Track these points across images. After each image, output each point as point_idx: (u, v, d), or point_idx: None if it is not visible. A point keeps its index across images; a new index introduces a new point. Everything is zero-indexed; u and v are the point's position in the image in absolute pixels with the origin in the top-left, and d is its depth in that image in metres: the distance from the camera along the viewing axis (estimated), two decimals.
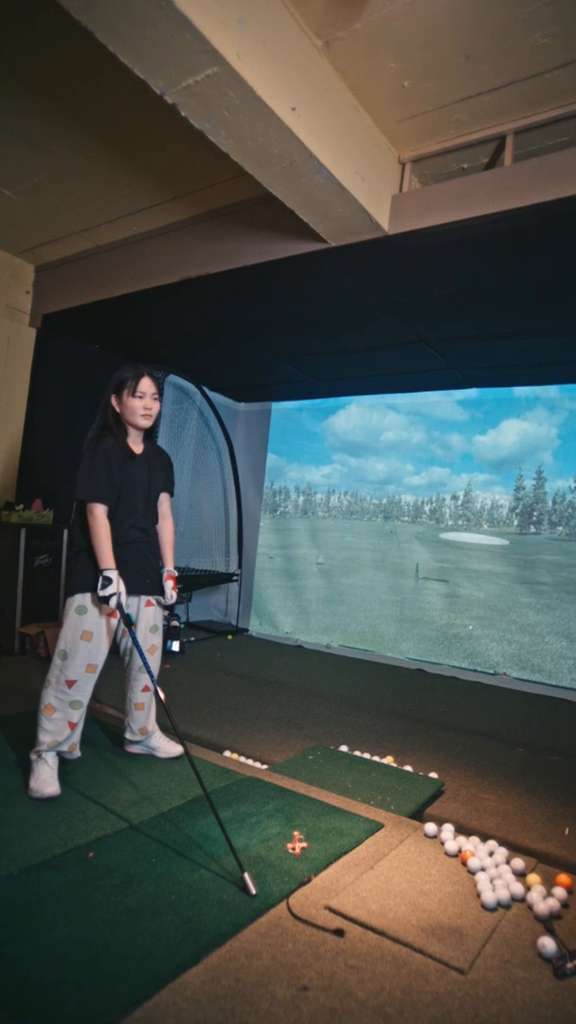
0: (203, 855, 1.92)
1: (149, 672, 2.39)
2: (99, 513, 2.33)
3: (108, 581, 2.26)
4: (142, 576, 2.50)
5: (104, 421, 2.47)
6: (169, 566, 2.64)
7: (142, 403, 2.44)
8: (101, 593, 2.26)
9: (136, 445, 2.52)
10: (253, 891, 1.73)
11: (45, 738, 2.32)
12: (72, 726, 2.34)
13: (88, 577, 2.36)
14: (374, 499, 5.75)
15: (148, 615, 2.57)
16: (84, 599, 2.36)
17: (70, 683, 2.33)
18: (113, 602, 2.26)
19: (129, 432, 2.50)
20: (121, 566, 2.35)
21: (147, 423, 2.49)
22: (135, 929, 1.55)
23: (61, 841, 1.95)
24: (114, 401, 2.46)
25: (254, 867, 1.86)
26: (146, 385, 2.44)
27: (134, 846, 1.95)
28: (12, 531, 4.45)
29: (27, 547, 4.49)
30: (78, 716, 2.36)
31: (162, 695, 2.24)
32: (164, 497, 2.66)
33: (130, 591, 2.41)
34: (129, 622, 2.29)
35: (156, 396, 2.49)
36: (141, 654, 2.35)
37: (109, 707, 3.28)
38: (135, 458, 2.49)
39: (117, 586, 2.27)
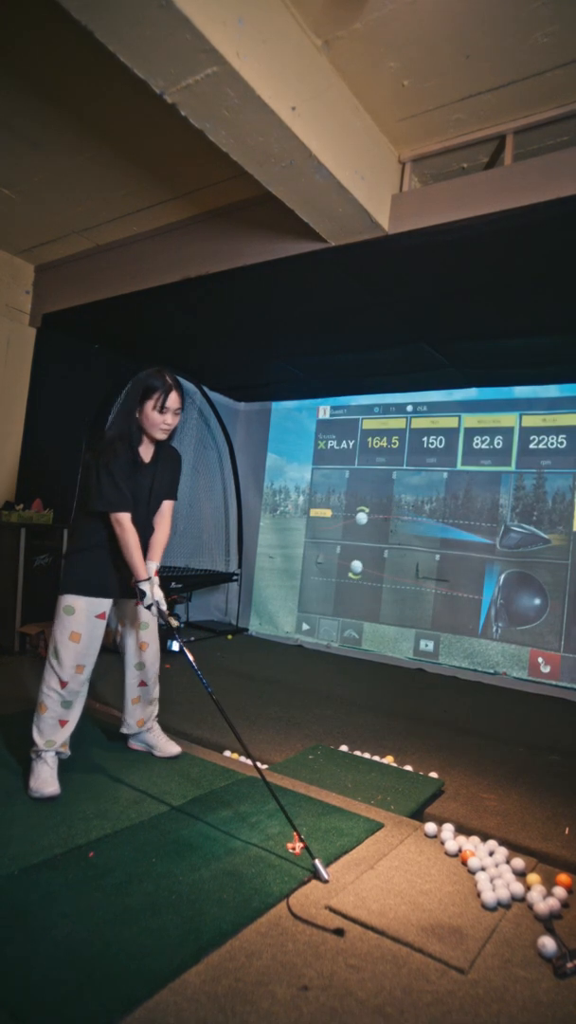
0: (203, 855, 1.92)
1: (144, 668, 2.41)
2: (126, 523, 2.32)
3: (143, 593, 2.33)
4: (110, 578, 2.46)
5: (126, 427, 2.40)
6: (152, 562, 2.49)
7: (163, 418, 2.39)
8: (143, 605, 2.34)
9: (147, 454, 2.49)
10: (326, 877, 1.82)
11: (39, 737, 2.32)
12: (63, 724, 2.35)
13: (79, 578, 2.37)
14: (374, 498, 5.75)
15: (140, 612, 2.58)
16: (72, 600, 2.36)
17: (63, 684, 2.34)
18: (154, 610, 2.35)
19: (143, 440, 2.45)
20: (86, 568, 2.39)
21: (162, 437, 2.45)
22: (135, 929, 1.55)
23: (61, 841, 1.95)
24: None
25: (254, 867, 1.86)
26: (173, 401, 2.39)
27: (134, 846, 1.95)
28: (12, 531, 4.45)
29: (27, 547, 4.48)
30: (70, 715, 2.36)
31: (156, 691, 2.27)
32: (167, 503, 2.62)
33: (121, 595, 2.44)
34: (171, 626, 2.35)
35: (179, 411, 2.44)
36: (192, 664, 2.34)
37: (109, 707, 3.28)
38: (143, 468, 2.46)
39: (153, 594, 2.34)
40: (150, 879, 1.77)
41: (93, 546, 2.41)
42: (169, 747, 2.71)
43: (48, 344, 4.96)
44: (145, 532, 2.51)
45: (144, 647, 2.60)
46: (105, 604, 2.43)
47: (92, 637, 2.38)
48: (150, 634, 2.62)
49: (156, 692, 2.69)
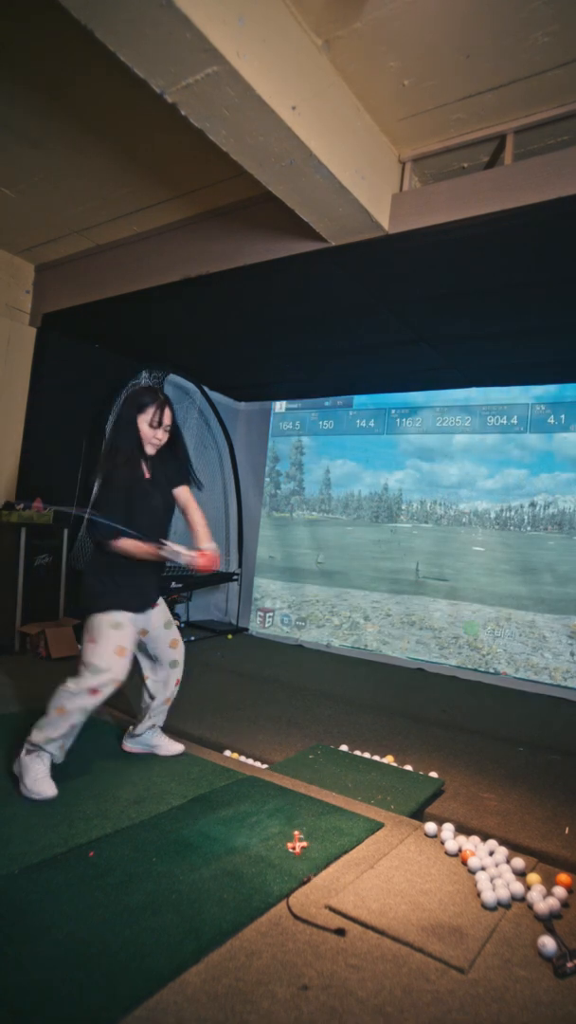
0: (203, 854, 1.92)
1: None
2: (121, 543, 2.34)
3: (174, 552, 2.39)
4: (147, 594, 2.51)
5: (124, 443, 2.42)
6: (202, 544, 2.54)
7: (154, 433, 2.44)
8: (184, 555, 2.40)
9: (147, 467, 2.51)
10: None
11: (39, 734, 2.28)
12: (72, 727, 2.34)
13: (124, 595, 2.39)
14: (372, 499, 5.75)
15: (158, 615, 2.58)
16: (120, 616, 2.37)
17: (94, 692, 2.30)
18: (183, 558, 2.41)
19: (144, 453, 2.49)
20: (128, 587, 2.40)
21: (151, 452, 2.50)
22: (136, 928, 1.55)
23: (62, 840, 1.95)
24: None
25: (254, 866, 1.86)
26: (167, 417, 2.45)
27: (134, 845, 1.95)
28: (12, 531, 4.45)
29: (27, 547, 4.48)
30: (80, 721, 2.35)
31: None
32: (182, 490, 2.61)
33: (138, 609, 2.44)
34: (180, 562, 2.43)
35: (169, 427, 2.49)
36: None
37: (112, 708, 3.28)
38: (145, 479, 2.48)
39: (174, 547, 2.41)
40: (150, 878, 1.77)
41: (130, 563, 2.40)
42: (172, 746, 2.72)
43: (48, 344, 4.95)
44: (157, 538, 2.48)
45: (175, 644, 2.63)
46: (143, 620, 2.48)
47: (131, 650, 2.41)
48: (175, 631, 2.66)
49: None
